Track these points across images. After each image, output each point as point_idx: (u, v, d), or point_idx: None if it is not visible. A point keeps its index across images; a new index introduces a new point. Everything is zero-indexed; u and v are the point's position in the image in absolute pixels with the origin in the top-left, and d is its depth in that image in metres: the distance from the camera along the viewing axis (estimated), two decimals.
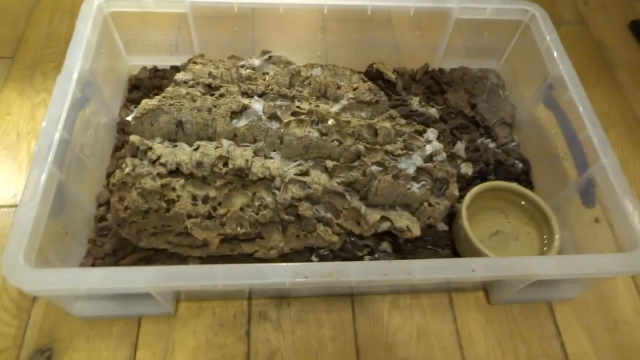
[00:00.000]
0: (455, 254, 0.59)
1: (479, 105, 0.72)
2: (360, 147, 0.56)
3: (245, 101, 0.56)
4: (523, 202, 0.60)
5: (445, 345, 0.54)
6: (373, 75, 0.73)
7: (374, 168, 0.56)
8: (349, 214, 0.54)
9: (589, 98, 0.81)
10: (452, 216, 0.61)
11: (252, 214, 0.52)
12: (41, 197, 0.45)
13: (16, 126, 0.66)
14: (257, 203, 0.52)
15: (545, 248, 0.57)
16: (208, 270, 0.42)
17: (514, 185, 0.60)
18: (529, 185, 0.66)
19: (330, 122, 0.57)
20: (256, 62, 0.65)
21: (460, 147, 0.67)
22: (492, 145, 0.68)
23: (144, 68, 0.72)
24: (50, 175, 0.47)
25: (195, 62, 0.63)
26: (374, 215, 0.55)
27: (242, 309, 0.54)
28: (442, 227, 0.60)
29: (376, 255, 0.57)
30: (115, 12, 0.65)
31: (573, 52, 0.87)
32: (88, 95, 0.57)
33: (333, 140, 0.56)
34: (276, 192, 0.52)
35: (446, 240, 0.59)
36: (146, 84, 0.69)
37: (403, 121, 0.62)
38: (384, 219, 0.55)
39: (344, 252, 0.56)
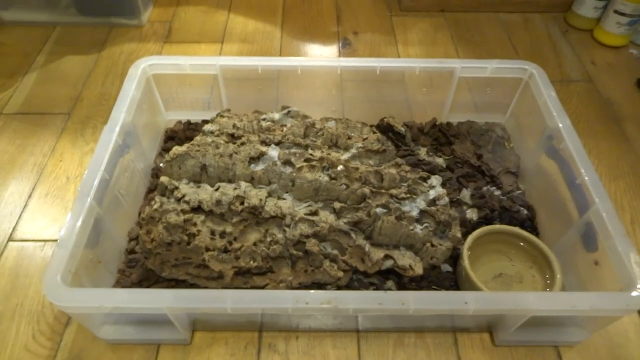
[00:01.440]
0: None
1: (485, 156, 0.76)
2: (366, 190, 0.61)
3: (263, 148, 0.63)
4: (526, 246, 0.62)
5: None
6: (384, 128, 0.79)
7: (379, 210, 0.60)
8: (354, 252, 0.58)
9: (597, 150, 0.84)
10: (456, 258, 0.63)
11: (264, 248, 0.57)
12: (81, 227, 0.52)
13: (66, 171, 0.75)
14: (268, 239, 0.57)
15: (547, 289, 0.59)
16: (219, 294, 0.47)
17: (516, 229, 0.63)
18: (534, 231, 0.68)
19: (340, 167, 0.63)
20: (276, 115, 0.72)
21: (465, 194, 0.71)
22: (497, 192, 0.71)
23: (179, 122, 0.81)
24: (90, 209, 0.54)
25: (222, 116, 0.71)
26: (377, 254, 0.58)
27: (252, 341, 0.58)
28: (446, 268, 0.63)
29: None
30: (157, 74, 0.75)
31: (581, 108, 0.92)
32: (128, 144, 0.66)
33: (341, 184, 0.61)
34: (286, 229, 0.57)
35: (450, 282, 0.62)
36: (180, 135, 0.78)
37: (408, 168, 0.67)
38: (387, 257, 0.58)
39: (350, 289, 0.59)
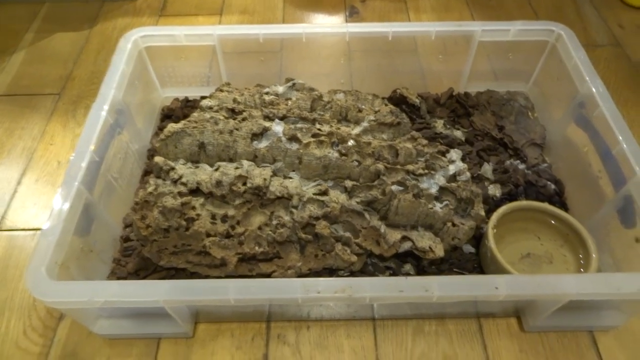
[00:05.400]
0: None
1: (507, 127, 0.70)
2: (380, 166, 0.55)
3: (266, 124, 0.58)
4: (556, 223, 0.57)
5: None
6: (397, 100, 0.73)
7: (394, 187, 0.55)
8: (368, 234, 0.53)
9: (628, 118, 0.78)
10: (479, 238, 0.58)
11: (270, 232, 0.52)
12: (68, 214, 0.47)
13: (57, 155, 0.71)
14: (274, 222, 0.52)
15: (582, 270, 0.53)
16: (220, 284, 0.42)
17: (545, 205, 0.57)
18: (563, 206, 0.62)
19: (350, 143, 0.57)
20: (280, 89, 0.66)
21: (487, 169, 0.65)
22: (521, 166, 0.66)
23: (176, 99, 0.76)
24: (78, 194, 0.49)
25: (221, 90, 0.66)
26: (394, 235, 0.53)
27: (260, 332, 0.53)
28: (469, 249, 0.58)
29: None
30: (149, 47, 0.69)
31: (608, 74, 0.85)
32: (120, 123, 0.61)
33: (353, 161, 0.56)
34: (294, 210, 0.52)
35: (473, 263, 0.57)
36: (177, 113, 0.73)
37: (425, 142, 0.61)
38: (405, 239, 0.53)
39: (365, 274, 0.55)
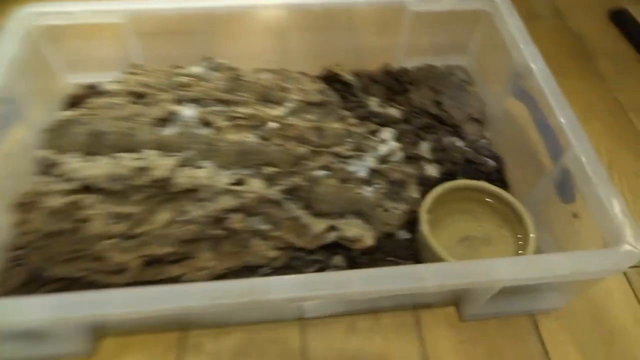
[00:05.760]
0: None
1: (445, 103, 0.66)
2: (302, 149, 0.50)
3: (173, 108, 0.51)
4: (494, 202, 0.54)
5: None
6: (329, 78, 0.68)
7: (318, 172, 0.50)
8: (289, 225, 0.48)
9: (570, 90, 0.75)
10: (415, 223, 0.54)
11: (178, 230, 0.46)
12: None
13: None
14: (183, 218, 0.46)
15: (520, 251, 0.50)
16: (100, 297, 0.36)
17: (482, 184, 0.54)
18: (503, 184, 0.59)
19: (272, 125, 0.52)
20: (197, 69, 0.60)
21: (424, 148, 0.61)
22: (460, 143, 0.62)
23: (82, 85, 0.68)
24: None
25: (131, 72, 0.59)
26: (319, 225, 0.48)
27: (175, 342, 0.47)
28: (404, 235, 0.53)
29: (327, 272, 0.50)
30: (48, 26, 0.61)
31: (550, 45, 0.81)
32: (7, 114, 0.53)
33: (274, 145, 0.50)
34: (204, 204, 0.46)
35: (409, 250, 0.52)
36: (83, 101, 0.65)
37: (354, 121, 0.56)
38: (330, 228, 0.49)
39: (291, 270, 0.49)
